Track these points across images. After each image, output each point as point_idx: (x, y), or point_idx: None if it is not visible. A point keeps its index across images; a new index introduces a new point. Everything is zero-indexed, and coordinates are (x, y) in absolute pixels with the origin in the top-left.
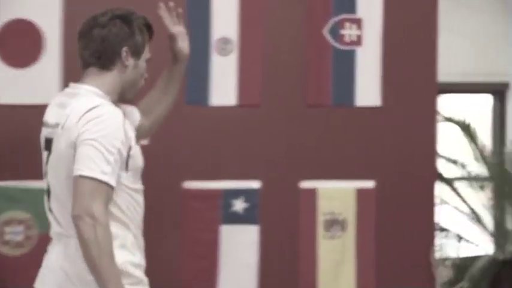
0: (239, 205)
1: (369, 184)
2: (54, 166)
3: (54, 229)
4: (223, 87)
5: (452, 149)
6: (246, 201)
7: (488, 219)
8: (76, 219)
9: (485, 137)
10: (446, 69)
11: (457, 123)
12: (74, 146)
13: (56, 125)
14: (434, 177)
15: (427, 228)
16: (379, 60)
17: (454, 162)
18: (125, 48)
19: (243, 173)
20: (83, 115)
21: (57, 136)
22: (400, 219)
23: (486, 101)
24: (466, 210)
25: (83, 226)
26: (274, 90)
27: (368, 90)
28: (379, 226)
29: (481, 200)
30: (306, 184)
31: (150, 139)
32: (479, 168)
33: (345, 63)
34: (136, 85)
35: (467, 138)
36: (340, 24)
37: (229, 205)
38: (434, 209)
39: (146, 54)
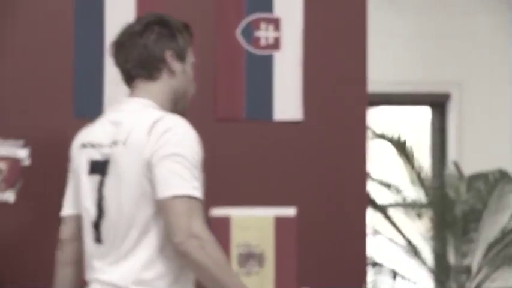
0: None
1: (290, 211)
2: (114, 189)
3: (97, 265)
4: (119, 97)
5: (385, 171)
6: None
7: (427, 252)
8: (181, 245)
9: (424, 157)
10: (377, 78)
11: (391, 140)
12: (148, 164)
13: (114, 144)
14: (365, 203)
15: (358, 263)
16: (300, 67)
17: (388, 186)
18: (169, 52)
19: None
20: (152, 128)
21: (116, 155)
22: (325, 252)
23: (424, 114)
24: (402, 241)
25: (192, 250)
26: None
27: (288, 101)
28: (302, 260)
29: (418, 229)
30: (217, 211)
31: None
32: (416, 193)
33: (261, 70)
34: (187, 93)
35: (402, 158)
36: (254, 25)
37: None
38: (366, 240)
39: (190, 57)
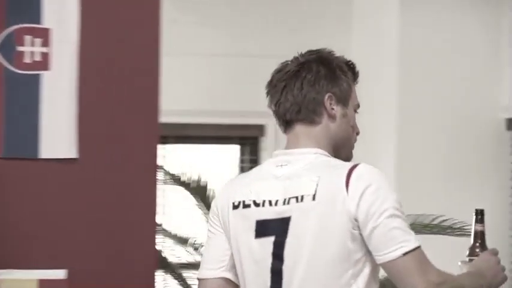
0: None
1: (58, 274)
2: (301, 251)
3: None
4: None
5: (182, 223)
6: None
7: None
8: None
9: None
10: (173, 107)
11: (186, 185)
12: (355, 220)
13: (295, 199)
14: (154, 263)
15: None
16: (76, 92)
17: (184, 241)
18: (327, 95)
19: None
20: (348, 181)
21: (302, 212)
22: None
23: (232, 151)
24: None
25: None
26: None
27: (59, 135)
28: None
29: None
30: None
31: None
32: None
33: (25, 94)
34: (350, 140)
35: (202, 208)
36: (17, 37)
37: None
38: None
39: (354, 100)
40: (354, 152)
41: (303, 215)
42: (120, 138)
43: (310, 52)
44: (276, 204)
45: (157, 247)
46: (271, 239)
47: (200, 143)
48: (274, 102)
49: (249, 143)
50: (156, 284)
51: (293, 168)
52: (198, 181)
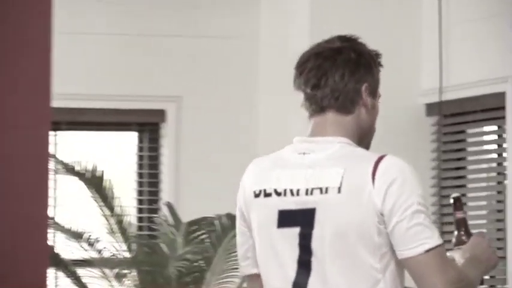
0: None
1: None
2: (328, 242)
3: None
4: None
5: (77, 217)
6: None
7: None
8: None
9: (129, 197)
10: (64, 90)
11: (81, 175)
12: (380, 214)
13: (319, 190)
14: (45, 260)
15: None
16: None
17: (78, 236)
18: (365, 85)
19: None
20: (374, 173)
21: (327, 203)
22: None
23: (129, 139)
24: None
25: None
26: None
27: None
28: None
29: None
30: None
31: None
32: (116, 246)
33: None
34: (373, 131)
35: (97, 199)
36: None
37: None
38: None
39: (379, 91)
40: (264, 136)
41: (328, 208)
42: (8, 124)
43: (341, 39)
44: (297, 193)
45: (49, 242)
46: (296, 230)
47: (95, 130)
48: (310, 85)
49: (148, 129)
50: (47, 283)
51: (316, 157)
52: (93, 171)
